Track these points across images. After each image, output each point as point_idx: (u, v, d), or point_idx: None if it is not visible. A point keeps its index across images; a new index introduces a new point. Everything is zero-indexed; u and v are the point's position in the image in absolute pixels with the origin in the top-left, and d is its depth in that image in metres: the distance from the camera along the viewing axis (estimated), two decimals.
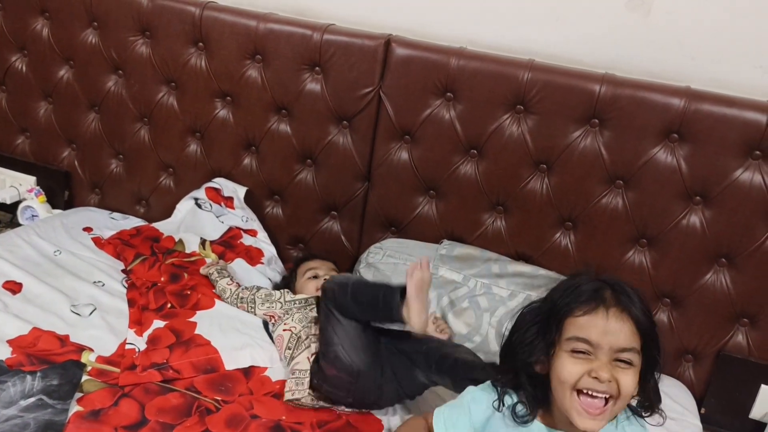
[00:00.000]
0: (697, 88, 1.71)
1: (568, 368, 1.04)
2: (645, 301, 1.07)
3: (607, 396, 1.03)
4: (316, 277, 1.86)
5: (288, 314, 1.72)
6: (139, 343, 1.64)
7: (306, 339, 1.62)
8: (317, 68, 1.98)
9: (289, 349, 1.63)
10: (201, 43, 2.08)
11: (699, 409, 1.78)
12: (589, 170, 1.80)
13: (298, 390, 1.52)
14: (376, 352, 1.50)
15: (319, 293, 1.73)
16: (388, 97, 1.92)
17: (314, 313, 1.70)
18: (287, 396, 1.53)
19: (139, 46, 2.15)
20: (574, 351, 1.05)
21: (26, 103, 2.36)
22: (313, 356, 1.56)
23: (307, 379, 1.52)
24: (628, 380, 1.03)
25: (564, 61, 1.84)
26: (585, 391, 1.03)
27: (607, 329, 1.03)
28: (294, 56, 1.98)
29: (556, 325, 1.07)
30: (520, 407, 1.13)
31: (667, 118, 1.70)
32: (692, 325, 1.83)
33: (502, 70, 1.81)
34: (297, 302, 1.76)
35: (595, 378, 1.02)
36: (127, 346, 1.63)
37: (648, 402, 1.13)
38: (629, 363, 1.03)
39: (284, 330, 1.68)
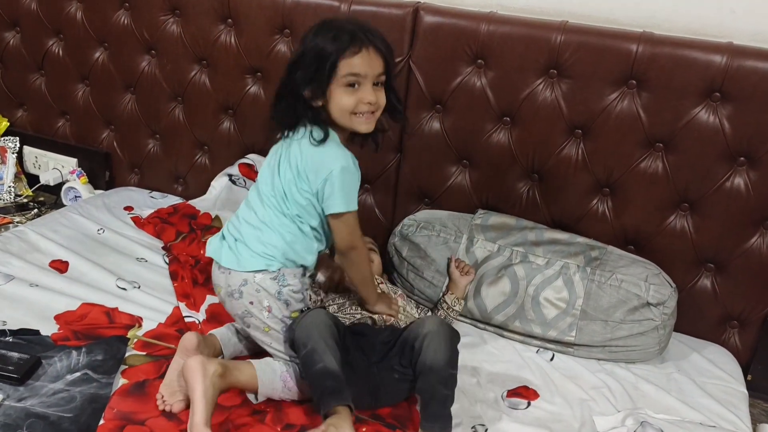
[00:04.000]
0: (739, 44, 1.63)
1: (345, 100, 1.40)
2: (383, 36, 1.43)
3: (373, 110, 1.43)
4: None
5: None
6: (198, 316, 1.70)
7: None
8: None
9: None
10: (230, 20, 2.08)
11: (745, 376, 1.74)
12: (627, 134, 1.74)
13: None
14: None
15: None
16: (417, 67, 1.89)
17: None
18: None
19: (169, 25, 2.16)
20: (348, 85, 1.39)
21: (65, 86, 2.41)
22: None
23: None
24: (382, 95, 1.44)
25: (599, 21, 1.78)
26: (358, 114, 1.42)
27: (370, 63, 1.39)
28: None
29: (331, 67, 1.37)
30: (316, 131, 1.43)
31: (708, 76, 1.63)
32: (737, 291, 1.77)
33: (533, 34, 1.76)
34: None
35: (366, 102, 1.41)
36: (187, 320, 1.68)
37: (393, 106, 1.49)
38: (381, 84, 1.44)
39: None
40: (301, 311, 1.48)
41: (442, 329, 1.41)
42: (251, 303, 1.44)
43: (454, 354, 1.39)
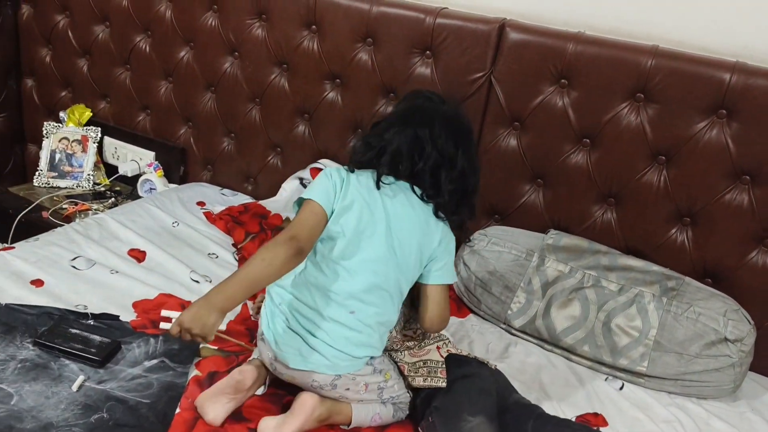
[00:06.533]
0: None
1: None
2: None
3: None
4: None
5: None
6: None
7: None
8: (428, 52, 1.97)
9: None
10: (314, 26, 2.12)
11: None
12: (713, 163, 1.70)
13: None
14: None
15: None
16: (499, 83, 1.89)
17: None
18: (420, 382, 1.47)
19: (255, 29, 2.22)
20: None
21: (148, 82, 2.49)
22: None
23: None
24: None
25: (689, 47, 1.75)
26: None
27: None
28: (405, 40, 1.99)
29: None
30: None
31: None
32: None
33: (623, 56, 1.74)
34: None
35: None
36: (253, 318, 1.70)
37: None
38: None
39: None
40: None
41: None
42: (347, 389, 1.38)
43: None
